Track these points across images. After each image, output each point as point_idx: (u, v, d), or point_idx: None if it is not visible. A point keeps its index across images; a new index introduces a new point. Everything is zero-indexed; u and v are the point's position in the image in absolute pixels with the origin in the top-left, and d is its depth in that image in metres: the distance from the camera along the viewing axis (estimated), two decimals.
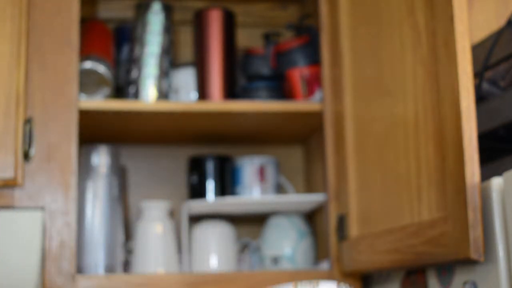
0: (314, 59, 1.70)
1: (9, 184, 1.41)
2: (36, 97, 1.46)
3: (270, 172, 1.79)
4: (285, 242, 1.72)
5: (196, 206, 1.68)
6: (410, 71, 1.26)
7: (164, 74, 1.68)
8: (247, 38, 1.91)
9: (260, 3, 1.96)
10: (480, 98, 1.21)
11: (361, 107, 1.47)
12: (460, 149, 1.07)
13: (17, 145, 1.40)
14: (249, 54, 1.79)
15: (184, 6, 1.86)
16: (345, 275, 1.53)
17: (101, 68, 1.59)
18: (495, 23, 1.42)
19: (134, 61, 1.68)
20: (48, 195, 1.44)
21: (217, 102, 1.65)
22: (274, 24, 1.95)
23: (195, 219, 1.77)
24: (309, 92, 1.69)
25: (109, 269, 1.59)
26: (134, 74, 1.67)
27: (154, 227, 1.67)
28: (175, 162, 1.88)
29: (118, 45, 1.78)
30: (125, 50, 1.77)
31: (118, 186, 1.67)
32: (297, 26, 1.79)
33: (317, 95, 1.69)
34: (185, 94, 1.74)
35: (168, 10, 1.71)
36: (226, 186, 1.77)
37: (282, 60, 1.73)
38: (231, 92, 1.70)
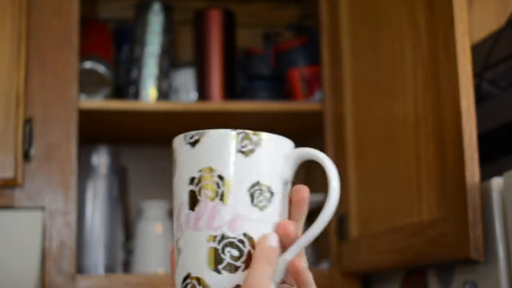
0: (314, 59, 1.70)
1: (9, 184, 1.41)
2: (36, 97, 1.46)
3: None
4: None
5: None
6: (410, 71, 1.26)
7: (164, 74, 1.68)
8: (247, 38, 1.90)
9: (260, 3, 1.96)
10: (480, 98, 1.21)
11: (361, 107, 1.47)
12: (460, 149, 1.07)
13: (17, 145, 1.40)
14: (249, 54, 1.78)
15: (184, 6, 1.86)
16: (345, 275, 1.53)
17: (101, 68, 1.59)
18: (495, 23, 1.42)
19: (134, 61, 1.68)
20: (48, 195, 1.44)
21: (217, 102, 1.65)
22: (274, 24, 1.94)
23: None
24: (309, 92, 1.69)
25: (109, 269, 1.58)
26: (134, 74, 1.67)
27: (154, 227, 1.67)
28: None
29: (118, 45, 1.78)
30: (125, 50, 1.77)
31: (118, 186, 1.67)
32: (297, 26, 1.79)
33: (317, 95, 1.68)
34: (185, 94, 1.73)
35: (168, 10, 1.71)
36: None
37: (282, 60, 1.73)
38: (231, 92, 1.70)
